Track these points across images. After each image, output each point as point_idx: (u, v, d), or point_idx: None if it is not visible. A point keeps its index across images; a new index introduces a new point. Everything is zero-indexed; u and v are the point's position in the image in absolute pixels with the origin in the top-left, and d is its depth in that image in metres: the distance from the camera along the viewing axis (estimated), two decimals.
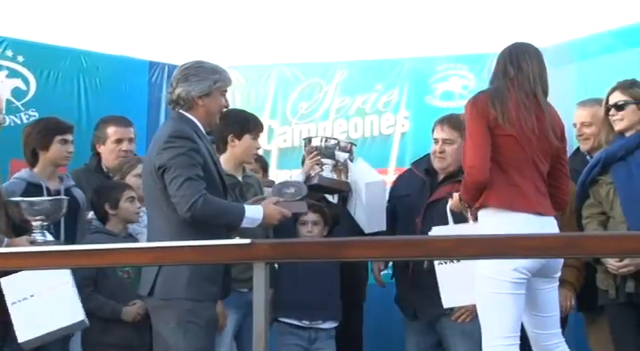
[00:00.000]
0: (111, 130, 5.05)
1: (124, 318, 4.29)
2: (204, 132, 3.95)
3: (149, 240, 3.92)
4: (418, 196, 4.42)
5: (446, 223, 4.11)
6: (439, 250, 2.20)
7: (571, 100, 5.50)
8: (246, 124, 4.57)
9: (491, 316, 3.57)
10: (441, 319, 4.34)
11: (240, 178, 4.57)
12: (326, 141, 4.85)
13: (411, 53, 6.64)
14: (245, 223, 3.85)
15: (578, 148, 4.85)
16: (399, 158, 6.35)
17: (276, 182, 4.70)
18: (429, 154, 4.57)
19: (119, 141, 5.04)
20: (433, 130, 4.53)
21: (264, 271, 2.58)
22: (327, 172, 4.72)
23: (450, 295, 4.03)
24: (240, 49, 7.14)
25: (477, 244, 2.16)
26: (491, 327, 3.57)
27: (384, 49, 6.90)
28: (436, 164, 4.46)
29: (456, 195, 3.84)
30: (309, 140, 4.97)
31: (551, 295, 3.72)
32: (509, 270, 3.53)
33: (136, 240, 4.51)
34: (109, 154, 5.04)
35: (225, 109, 4.04)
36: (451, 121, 4.41)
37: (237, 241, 2.77)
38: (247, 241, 2.67)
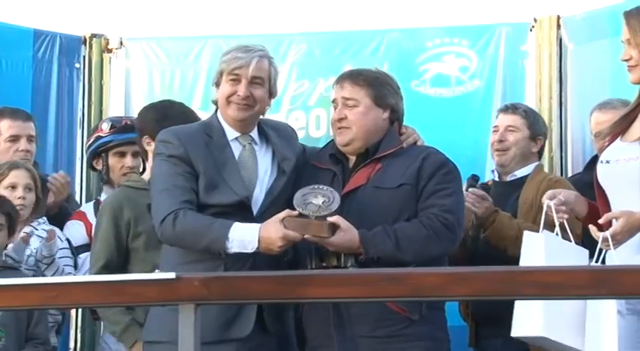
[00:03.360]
0: (4, 125, 5.27)
1: None
2: (225, 132, 4.18)
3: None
4: None
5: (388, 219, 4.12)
6: (422, 289, 2.24)
7: (604, 86, 5.65)
8: (164, 119, 4.57)
9: None
10: None
11: None
12: None
13: (392, 23, 6.71)
14: (234, 247, 3.92)
15: None
16: None
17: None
18: (332, 140, 4.42)
19: (15, 138, 5.26)
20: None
21: (193, 317, 2.61)
22: None
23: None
24: (160, 16, 7.18)
25: (472, 280, 2.20)
26: None
27: (355, 18, 6.94)
28: (336, 140, 4.30)
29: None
30: None
31: None
32: None
33: (17, 273, 4.57)
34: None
35: (239, 99, 4.17)
36: (353, 76, 4.33)
37: (157, 275, 2.82)
38: (172, 275, 2.73)
